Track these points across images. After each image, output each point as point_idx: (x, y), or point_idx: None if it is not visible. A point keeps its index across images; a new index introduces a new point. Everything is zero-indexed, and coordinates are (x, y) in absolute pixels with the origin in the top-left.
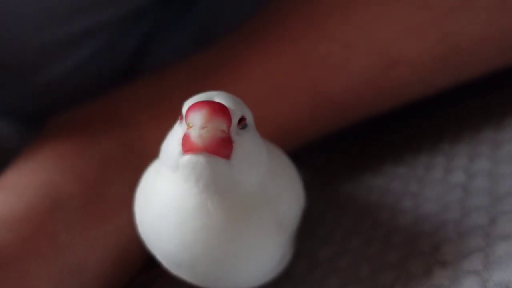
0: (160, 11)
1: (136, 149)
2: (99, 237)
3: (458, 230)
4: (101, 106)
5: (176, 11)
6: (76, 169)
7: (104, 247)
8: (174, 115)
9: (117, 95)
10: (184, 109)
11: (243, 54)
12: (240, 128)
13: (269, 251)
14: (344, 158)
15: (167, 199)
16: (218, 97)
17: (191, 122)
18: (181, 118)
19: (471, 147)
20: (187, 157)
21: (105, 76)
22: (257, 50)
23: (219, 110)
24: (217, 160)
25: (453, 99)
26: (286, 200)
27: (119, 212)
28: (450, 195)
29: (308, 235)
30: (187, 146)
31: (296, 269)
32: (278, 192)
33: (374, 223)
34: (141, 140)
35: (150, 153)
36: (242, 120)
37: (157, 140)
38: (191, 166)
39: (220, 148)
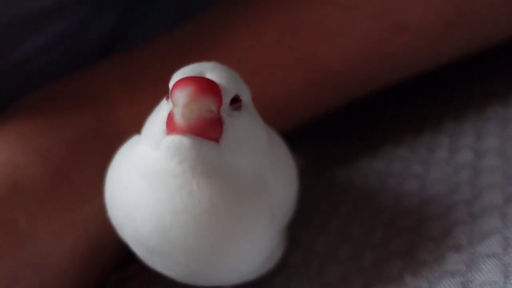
0: None
1: (108, 129)
2: (66, 227)
3: (470, 211)
4: (70, 84)
5: None
6: (40, 149)
7: (71, 238)
8: (150, 91)
9: (87, 72)
10: (171, 83)
11: (228, 25)
12: (233, 110)
13: (257, 244)
14: (340, 142)
15: (145, 176)
16: (211, 71)
17: (175, 101)
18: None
19: (478, 125)
20: (171, 138)
21: (80, 56)
22: (243, 20)
23: (207, 88)
24: (203, 142)
25: (456, 77)
26: (281, 191)
27: (88, 199)
28: (458, 175)
29: (304, 225)
30: (171, 126)
31: (291, 261)
32: (274, 182)
33: (375, 209)
34: (114, 119)
35: (124, 133)
36: (236, 100)
37: (132, 118)
38: (174, 147)
39: (207, 129)
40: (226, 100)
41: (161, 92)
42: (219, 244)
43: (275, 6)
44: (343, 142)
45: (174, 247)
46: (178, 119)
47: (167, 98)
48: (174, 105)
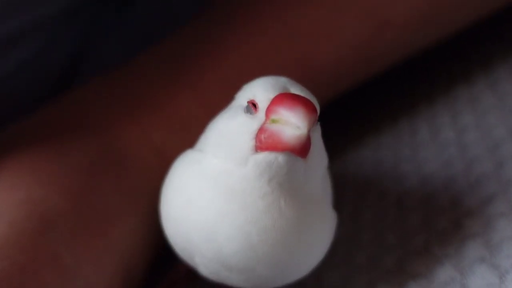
0: (97, 9)
1: (116, 152)
2: (103, 254)
3: (468, 181)
4: (64, 112)
5: (115, 8)
6: (56, 180)
7: (110, 264)
8: (149, 108)
9: (79, 98)
10: (262, 98)
11: (224, 34)
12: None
13: (328, 243)
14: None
15: (228, 195)
16: (292, 87)
17: (281, 119)
18: (255, 105)
19: (448, 106)
20: (264, 155)
21: (41, 83)
22: (235, 27)
23: (313, 109)
24: (295, 159)
25: (421, 64)
26: (330, 189)
27: (114, 222)
28: (446, 152)
29: None
30: (269, 143)
31: None
32: (327, 183)
33: (379, 193)
34: (119, 141)
35: (132, 153)
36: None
37: (138, 138)
38: (266, 165)
39: (304, 148)
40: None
41: (158, 110)
42: (302, 252)
43: (267, 13)
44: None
45: (261, 262)
46: (291, 139)
47: (254, 109)
48: (275, 121)
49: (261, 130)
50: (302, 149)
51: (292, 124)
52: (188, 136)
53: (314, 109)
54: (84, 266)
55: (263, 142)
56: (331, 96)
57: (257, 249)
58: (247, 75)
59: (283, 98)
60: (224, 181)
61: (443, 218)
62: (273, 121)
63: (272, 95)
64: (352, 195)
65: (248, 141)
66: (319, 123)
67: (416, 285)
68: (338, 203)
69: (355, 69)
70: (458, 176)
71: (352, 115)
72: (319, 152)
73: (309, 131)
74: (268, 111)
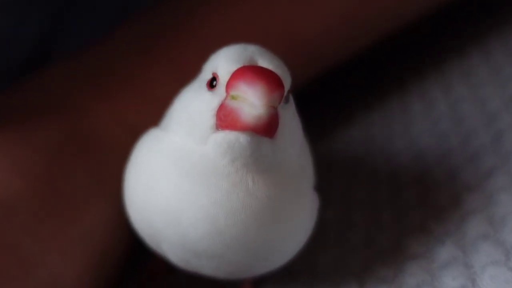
0: None
1: (86, 132)
2: (72, 243)
3: (465, 155)
4: (29, 93)
5: None
6: (18, 163)
7: (80, 254)
8: (119, 88)
9: (46, 78)
10: (223, 71)
11: (200, 6)
12: (284, 102)
13: (309, 226)
14: (309, 116)
15: (190, 175)
16: (262, 58)
17: (240, 96)
18: (217, 78)
19: (441, 79)
20: (224, 134)
21: (13, 61)
22: (213, 4)
23: (276, 84)
24: (260, 140)
25: (413, 37)
26: (310, 167)
27: (84, 208)
28: (439, 126)
29: None
30: (228, 122)
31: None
32: (306, 161)
33: (371, 171)
34: (90, 121)
35: (104, 134)
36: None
37: (110, 117)
38: (227, 145)
39: (268, 127)
40: (285, 93)
41: (131, 87)
42: (277, 236)
43: None
44: (314, 117)
45: (230, 247)
46: (249, 118)
47: (210, 87)
48: (234, 98)
49: (221, 106)
50: (266, 128)
51: (251, 102)
52: (164, 113)
53: (280, 85)
54: (48, 255)
55: (222, 120)
56: (318, 72)
57: (225, 233)
58: (226, 44)
59: (243, 72)
60: (186, 161)
61: (440, 194)
62: (233, 97)
63: (234, 68)
64: (344, 175)
65: (208, 118)
66: (291, 97)
67: (416, 265)
68: (328, 183)
69: (343, 40)
70: (454, 150)
71: (341, 93)
72: (291, 129)
73: (274, 108)
74: (228, 86)
